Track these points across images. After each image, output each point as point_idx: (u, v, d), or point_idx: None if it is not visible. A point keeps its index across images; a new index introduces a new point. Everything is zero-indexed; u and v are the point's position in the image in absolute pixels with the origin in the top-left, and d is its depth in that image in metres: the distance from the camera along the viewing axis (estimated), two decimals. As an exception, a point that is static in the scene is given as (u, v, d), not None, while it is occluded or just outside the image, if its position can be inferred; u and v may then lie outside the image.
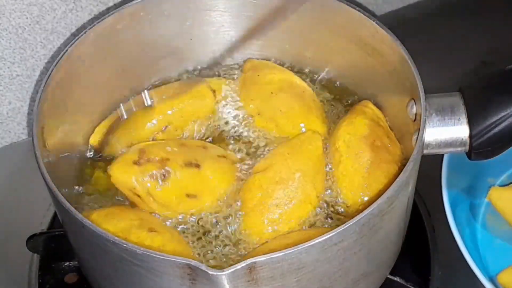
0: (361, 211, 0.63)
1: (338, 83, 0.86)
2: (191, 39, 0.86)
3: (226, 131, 0.82)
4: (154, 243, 0.69)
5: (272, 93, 0.82)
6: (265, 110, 0.82)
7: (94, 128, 0.82)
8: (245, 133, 0.82)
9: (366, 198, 0.73)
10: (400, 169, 0.68)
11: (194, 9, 0.84)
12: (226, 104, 0.84)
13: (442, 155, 0.81)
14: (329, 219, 0.74)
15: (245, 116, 0.83)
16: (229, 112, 0.83)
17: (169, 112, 0.81)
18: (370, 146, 0.75)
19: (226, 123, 0.83)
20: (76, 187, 0.78)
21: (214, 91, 0.83)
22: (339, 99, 0.84)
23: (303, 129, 0.80)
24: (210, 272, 0.59)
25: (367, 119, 0.78)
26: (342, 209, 0.75)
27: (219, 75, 0.87)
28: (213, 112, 0.83)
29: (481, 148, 0.70)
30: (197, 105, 0.82)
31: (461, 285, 0.80)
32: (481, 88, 0.71)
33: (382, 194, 0.67)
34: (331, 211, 0.75)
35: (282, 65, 0.87)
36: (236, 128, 0.82)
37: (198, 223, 0.74)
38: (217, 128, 0.82)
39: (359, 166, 0.75)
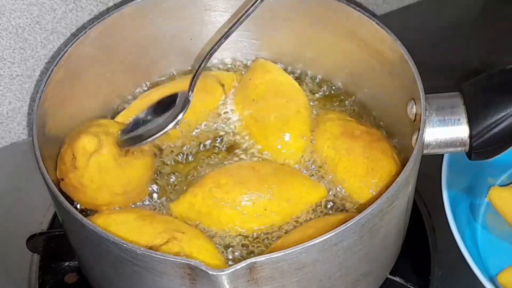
0: (380, 193, 0.64)
1: (337, 83, 0.86)
2: (191, 39, 0.86)
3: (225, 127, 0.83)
4: (180, 226, 0.72)
5: (253, 100, 0.82)
6: (245, 116, 0.82)
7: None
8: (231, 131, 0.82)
9: (374, 181, 0.74)
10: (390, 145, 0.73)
11: (194, 9, 0.84)
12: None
13: (442, 155, 0.81)
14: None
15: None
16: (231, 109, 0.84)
17: None
18: (352, 138, 0.77)
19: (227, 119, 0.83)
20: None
21: (223, 85, 0.84)
22: (339, 99, 0.84)
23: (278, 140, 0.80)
24: (210, 272, 0.59)
25: (336, 120, 0.80)
26: (361, 202, 0.75)
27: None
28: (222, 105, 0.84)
29: (481, 148, 0.70)
30: (207, 100, 0.83)
31: (461, 285, 0.80)
32: (481, 88, 0.71)
33: (388, 169, 0.72)
34: (350, 209, 0.75)
35: (282, 65, 0.87)
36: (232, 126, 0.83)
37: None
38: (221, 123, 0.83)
39: (355, 157, 0.76)
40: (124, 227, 0.70)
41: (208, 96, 0.83)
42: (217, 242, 0.73)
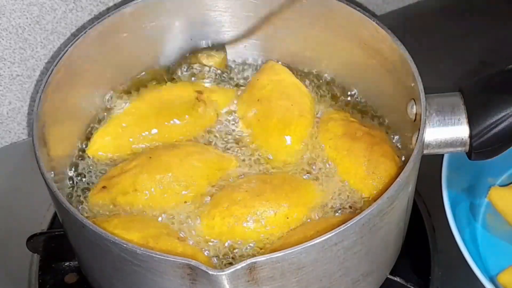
0: (379, 195, 0.64)
1: (337, 83, 0.86)
2: (191, 39, 0.86)
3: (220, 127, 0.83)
4: (187, 251, 0.70)
5: (258, 100, 0.82)
6: (248, 115, 0.82)
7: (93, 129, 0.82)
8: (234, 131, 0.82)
9: (374, 183, 0.74)
10: (392, 147, 0.74)
11: (194, 9, 0.84)
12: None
13: (442, 155, 0.81)
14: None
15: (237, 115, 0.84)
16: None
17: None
18: (353, 139, 0.77)
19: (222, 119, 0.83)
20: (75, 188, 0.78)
21: (201, 93, 0.83)
22: (338, 99, 0.84)
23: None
24: (210, 272, 0.59)
25: (338, 121, 0.80)
26: (362, 203, 0.75)
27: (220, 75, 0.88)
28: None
29: (481, 148, 0.70)
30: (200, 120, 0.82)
31: (461, 285, 0.80)
32: (481, 88, 0.71)
33: (389, 171, 0.72)
34: (353, 209, 0.75)
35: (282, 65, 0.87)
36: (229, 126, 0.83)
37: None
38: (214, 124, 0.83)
39: (356, 159, 0.76)
40: None
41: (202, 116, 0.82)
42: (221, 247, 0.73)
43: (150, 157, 0.76)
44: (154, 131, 0.80)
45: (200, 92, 0.83)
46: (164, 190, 0.75)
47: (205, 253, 0.72)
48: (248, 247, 0.72)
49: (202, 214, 0.74)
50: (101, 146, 0.80)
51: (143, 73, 0.86)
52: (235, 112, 0.83)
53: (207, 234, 0.73)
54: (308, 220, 0.74)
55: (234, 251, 0.72)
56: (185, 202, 0.75)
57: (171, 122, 0.80)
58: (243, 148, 0.80)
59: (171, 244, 0.70)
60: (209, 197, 0.75)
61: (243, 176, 0.77)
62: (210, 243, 0.72)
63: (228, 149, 0.80)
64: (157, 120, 0.80)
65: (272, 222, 0.72)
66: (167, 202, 0.75)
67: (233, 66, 0.88)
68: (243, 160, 0.79)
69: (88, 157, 0.80)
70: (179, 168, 0.75)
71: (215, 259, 0.72)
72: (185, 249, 0.70)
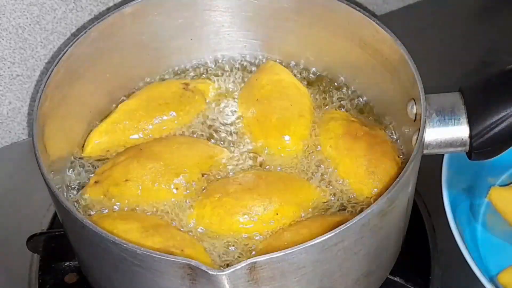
0: (379, 195, 0.64)
1: (338, 83, 0.86)
2: (191, 39, 0.87)
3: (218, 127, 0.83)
4: (185, 239, 0.71)
5: (257, 100, 0.82)
6: (247, 115, 0.82)
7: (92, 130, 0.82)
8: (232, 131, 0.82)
9: (374, 182, 0.74)
10: (394, 149, 0.74)
11: (194, 9, 0.84)
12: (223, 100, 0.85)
13: (442, 155, 0.81)
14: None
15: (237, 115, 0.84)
16: (224, 109, 0.84)
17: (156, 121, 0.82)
18: (354, 139, 0.77)
19: (219, 119, 0.83)
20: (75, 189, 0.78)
21: (188, 84, 0.84)
22: (339, 99, 0.84)
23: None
24: (210, 272, 0.59)
25: (339, 120, 0.80)
26: (362, 203, 0.75)
27: (220, 75, 0.88)
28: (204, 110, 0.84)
29: (481, 148, 0.70)
30: (191, 112, 0.83)
31: (461, 285, 0.80)
32: (481, 88, 0.71)
33: (389, 171, 0.72)
34: (353, 209, 0.75)
35: (283, 65, 0.87)
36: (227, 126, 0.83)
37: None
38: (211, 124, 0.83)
39: (356, 159, 0.76)
40: (124, 237, 0.69)
41: (191, 108, 0.83)
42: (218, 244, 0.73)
43: (141, 149, 0.77)
44: (147, 124, 0.81)
45: (186, 83, 0.84)
46: (156, 179, 0.75)
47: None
48: (241, 242, 0.72)
49: (194, 203, 0.74)
50: (95, 146, 0.80)
51: (143, 73, 0.86)
52: (226, 107, 0.84)
53: (197, 224, 0.73)
54: (302, 215, 0.74)
55: (227, 245, 0.72)
56: (177, 189, 0.75)
57: (163, 113, 0.81)
58: (236, 143, 0.81)
59: (171, 232, 0.71)
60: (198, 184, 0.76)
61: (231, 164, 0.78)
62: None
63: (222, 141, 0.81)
64: (148, 113, 0.81)
65: (262, 217, 0.73)
66: (159, 191, 0.75)
67: (233, 66, 0.89)
68: (235, 153, 0.80)
69: (85, 157, 0.80)
70: (169, 157, 0.76)
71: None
72: (183, 238, 0.71)
